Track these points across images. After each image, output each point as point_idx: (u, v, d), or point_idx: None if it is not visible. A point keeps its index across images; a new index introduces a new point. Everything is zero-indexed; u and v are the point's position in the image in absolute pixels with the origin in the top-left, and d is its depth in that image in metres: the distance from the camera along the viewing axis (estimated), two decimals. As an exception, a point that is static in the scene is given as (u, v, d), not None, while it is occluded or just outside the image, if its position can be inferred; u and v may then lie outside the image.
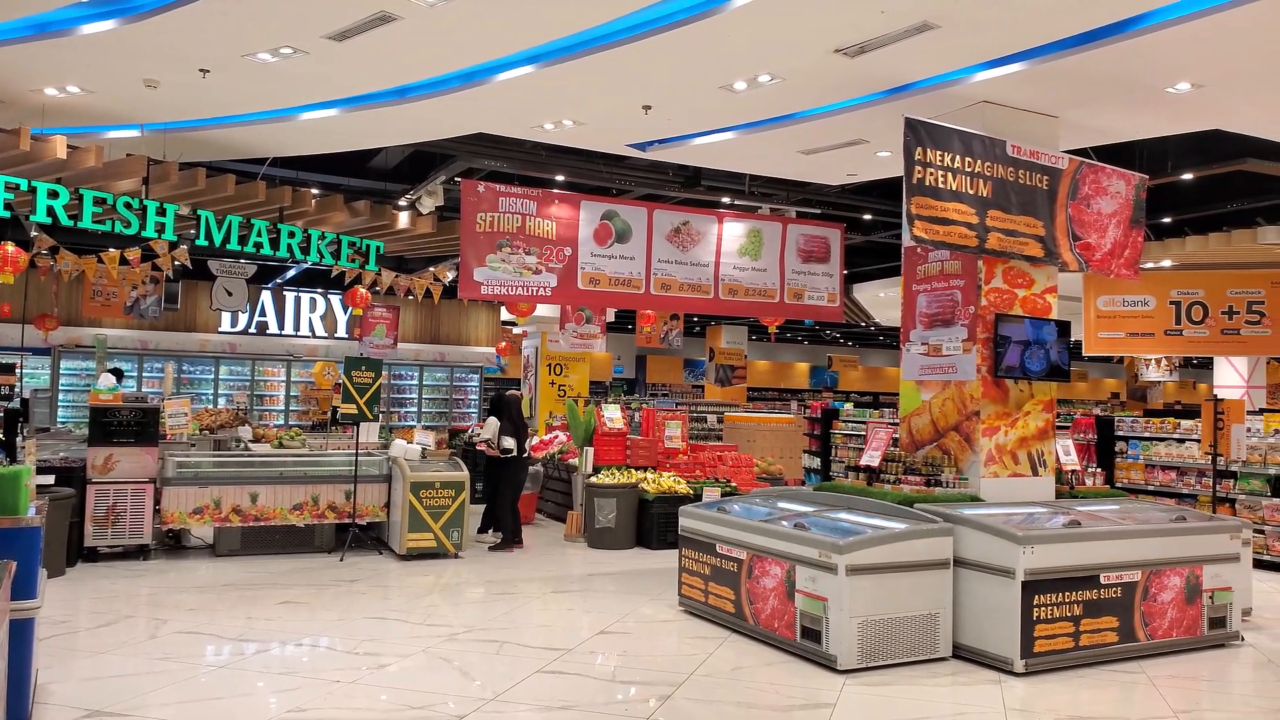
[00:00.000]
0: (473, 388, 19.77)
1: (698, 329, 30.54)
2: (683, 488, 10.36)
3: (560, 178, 10.45)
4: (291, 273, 18.14)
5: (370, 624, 6.74)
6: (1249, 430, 10.49)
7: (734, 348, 28.48)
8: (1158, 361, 24.47)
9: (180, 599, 7.33)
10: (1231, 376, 20.09)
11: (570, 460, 11.73)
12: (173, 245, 9.99)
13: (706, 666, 5.94)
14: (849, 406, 15.94)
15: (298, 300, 18.04)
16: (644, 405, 14.76)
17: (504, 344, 19.75)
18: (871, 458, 7.51)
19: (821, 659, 5.88)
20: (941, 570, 6.13)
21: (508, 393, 10.76)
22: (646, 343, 18.86)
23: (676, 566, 7.53)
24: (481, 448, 10.40)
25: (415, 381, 19.14)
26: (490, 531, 10.34)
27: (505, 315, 18.49)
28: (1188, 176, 10.05)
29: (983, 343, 7.16)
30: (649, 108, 7.75)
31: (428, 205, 11.02)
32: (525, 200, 9.13)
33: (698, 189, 11.12)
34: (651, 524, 10.10)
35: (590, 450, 10.85)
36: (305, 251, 10.62)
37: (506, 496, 10.04)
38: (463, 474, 9.45)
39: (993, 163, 7.01)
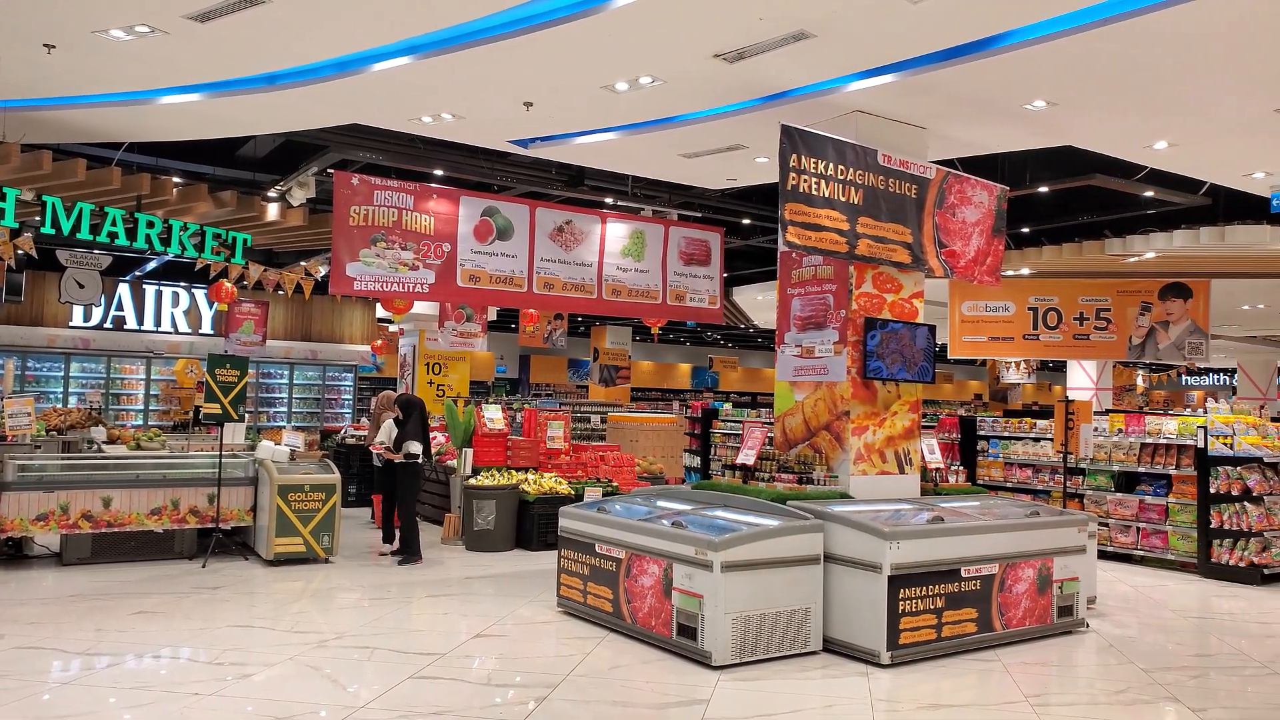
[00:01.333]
0: (347, 387, 19.20)
1: (582, 329, 30.53)
2: (564, 488, 10.31)
3: (439, 172, 10.25)
4: (152, 265, 17.19)
5: (234, 633, 6.43)
6: (1096, 430, 11.18)
7: (618, 348, 28.61)
8: (1017, 364, 25.86)
9: (20, 612, 6.83)
10: (1083, 379, 21.45)
11: (449, 462, 11.52)
12: (14, 232, 9.31)
13: (584, 666, 5.93)
14: (728, 406, 16.20)
15: (159, 294, 17.12)
16: (526, 405, 14.63)
17: (380, 342, 19.25)
18: (747, 456, 7.65)
19: (697, 655, 5.95)
20: (813, 566, 6.29)
21: (410, 395, 10.30)
22: (530, 342, 18.74)
23: (556, 568, 7.48)
24: (378, 450, 9.63)
25: (285, 380, 18.45)
26: (392, 543, 9.61)
27: (381, 313, 18.03)
28: (1044, 189, 10.64)
29: (853, 345, 7.39)
30: (530, 105, 7.68)
31: (299, 197, 10.62)
32: (402, 194, 8.91)
33: (581, 188, 11.10)
34: (532, 525, 10.01)
35: (469, 451, 10.68)
36: (165, 243, 10.08)
37: (409, 506, 9.33)
38: (333, 476, 9.15)
39: (864, 171, 7.24)
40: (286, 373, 18.42)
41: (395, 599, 7.69)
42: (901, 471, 7.67)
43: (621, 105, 7.65)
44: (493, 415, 10.98)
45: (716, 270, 10.92)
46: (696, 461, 15.64)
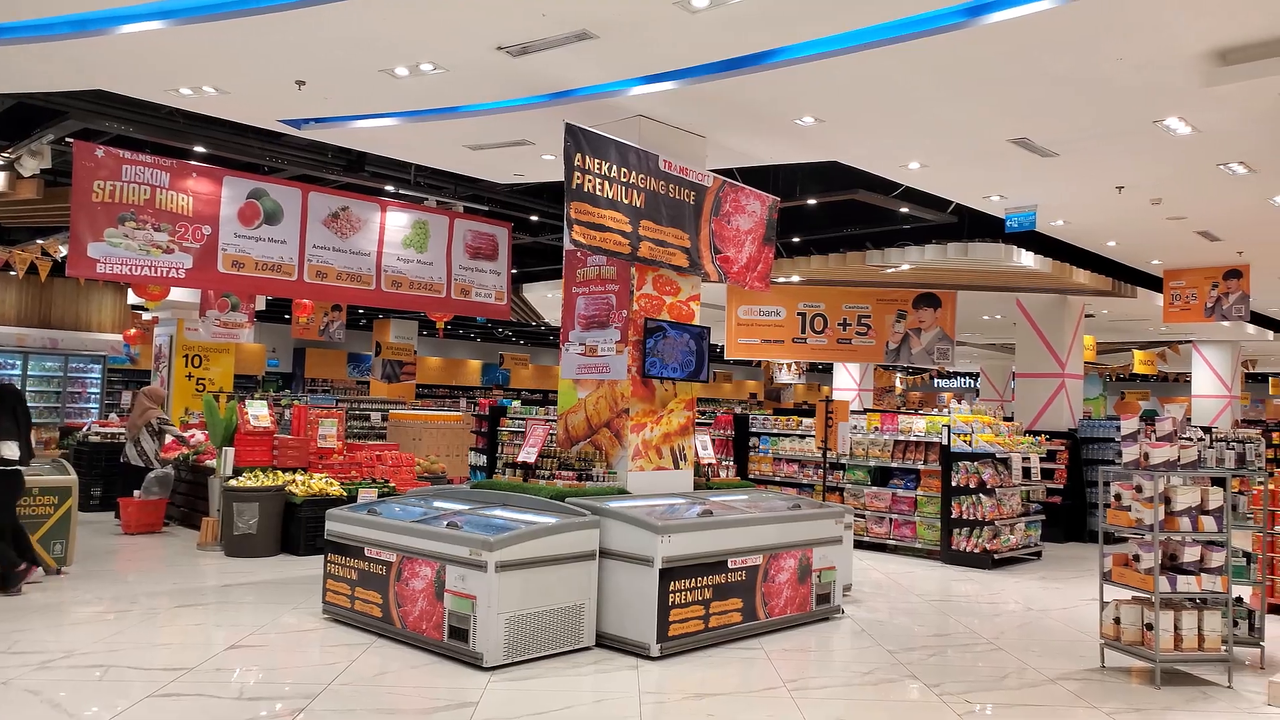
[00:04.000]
0: (94, 380, 17.45)
1: (364, 322, 29.35)
2: (336, 490, 9.85)
3: (201, 149, 9.48)
4: None
5: (-67, 659, 5.66)
6: (855, 428, 12.01)
7: (403, 343, 27.74)
8: (788, 366, 27.38)
9: None
10: (847, 380, 23.01)
11: (207, 462, 10.70)
12: None
13: (349, 674, 5.67)
14: (516, 404, 16.09)
15: None
16: (296, 402, 13.85)
17: (134, 331, 17.62)
18: (528, 454, 7.60)
19: (469, 658, 5.84)
20: (588, 562, 6.34)
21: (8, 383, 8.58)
22: (305, 335, 17.77)
23: (323, 573, 7.12)
24: None
25: (18, 371, 16.51)
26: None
27: (135, 298, 16.48)
28: (812, 202, 11.28)
29: (633, 345, 7.52)
30: (303, 83, 7.25)
31: (30, 167, 9.48)
32: (156, 170, 8.16)
33: (361, 174, 10.62)
34: (300, 529, 9.48)
35: (230, 451, 9.96)
36: None
37: (5, 520, 7.55)
38: (69, 479, 8.26)
39: (646, 175, 7.37)
40: (19, 362, 16.49)
41: (140, 611, 7.04)
42: (677, 467, 7.88)
43: (403, 91, 7.37)
44: (257, 412, 10.31)
45: (504, 265, 10.79)
46: (483, 460, 15.42)
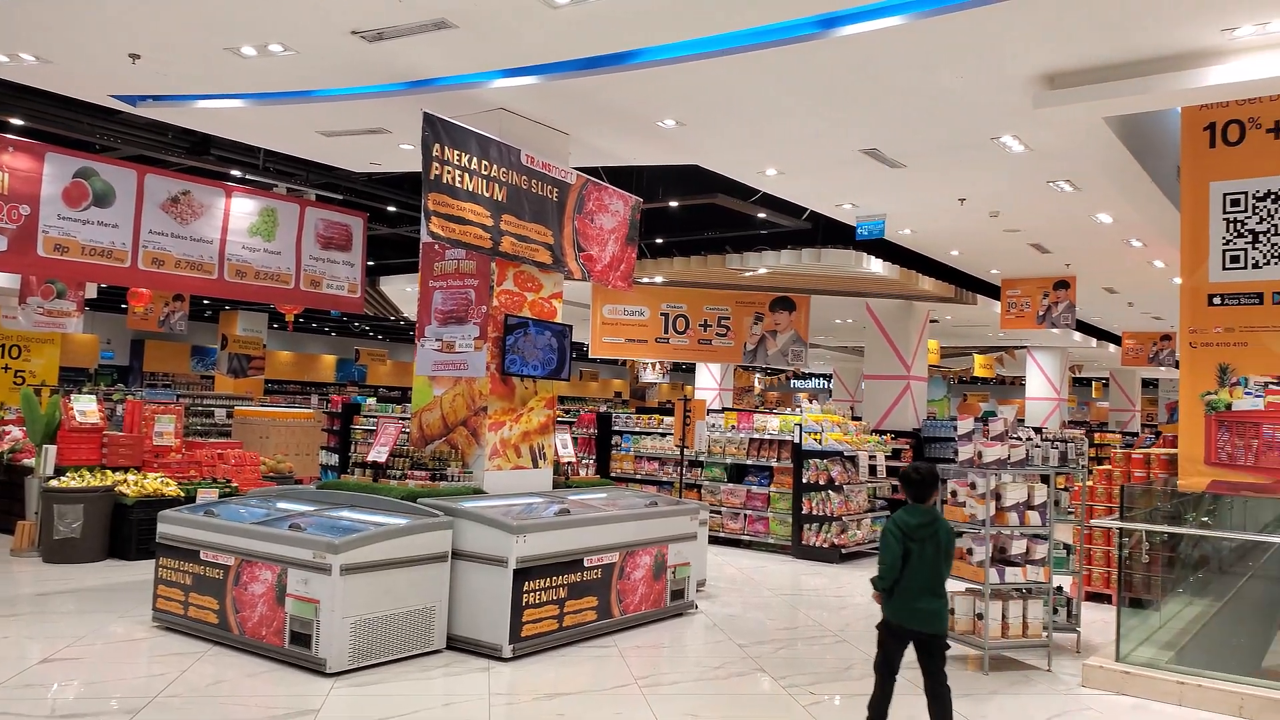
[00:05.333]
0: (-105, 371, 15.87)
1: (209, 313, 27.87)
2: (173, 490, 9.29)
3: (19, 121, 8.74)
4: None
5: None
6: (713, 426, 12.23)
7: (252, 335, 26.47)
8: (653, 365, 27.67)
9: None
10: (709, 380, 23.46)
11: (25, 461, 9.90)
12: None
13: (180, 684, 5.34)
14: (372, 401, 15.62)
15: None
16: (130, 396, 13.00)
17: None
18: (379, 454, 7.37)
19: (312, 664, 5.60)
20: (440, 564, 6.19)
21: None
22: (143, 325, 16.72)
23: (154, 578, 6.69)
24: None
25: None
26: None
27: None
28: (674, 204, 11.44)
29: (493, 341, 7.40)
30: (137, 56, 6.78)
31: None
32: (-35, 142, 7.47)
33: (205, 158, 10.07)
34: (131, 532, 8.89)
35: (51, 449, 9.24)
36: None
37: None
38: None
39: (508, 169, 7.27)
40: None
41: (-61, 625, 6.43)
42: (536, 466, 7.81)
43: (251, 72, 7.01)
44: (84, 407, 9.60)
45: (358, 257, 10.43)
46: (335, 459, 14.87)
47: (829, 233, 12.30)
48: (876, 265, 12.79)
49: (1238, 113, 6.40)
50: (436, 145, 6.66)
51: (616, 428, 13.13)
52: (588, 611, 6.67)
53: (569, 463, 8.48)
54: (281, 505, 6.90)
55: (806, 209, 11.32)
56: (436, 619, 6.15)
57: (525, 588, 6.14)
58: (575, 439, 13.35)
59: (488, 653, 6.13)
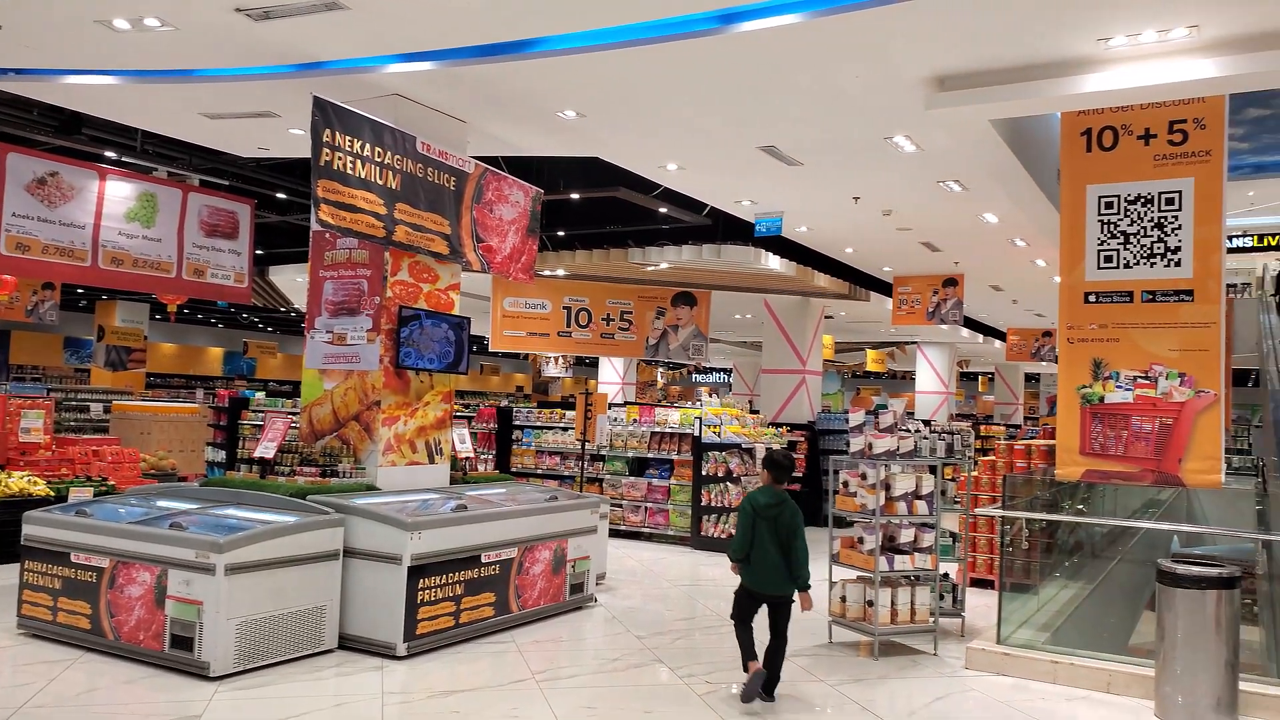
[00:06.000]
0: None
1: (84, 303, 26.40)
2: (41, 489, 8.76)
3: None
4: None
5: None
6: (615, 420, 12.24)
7: (131, 327, 25.22)
8: (554, 359, 27.56)
9: None
10: (612, 374, 23.48)
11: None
12: None
13: (48, 694, 5.04)
14: (260, 396, 15.07)
15: None
16: (-4, 390, 12.21)
17: None
18: (267, 449, 7.11)
19: (194, 668, 5.37)
20: (331, 562, 6.01)
21: None
22: (9, 315, 15.72)
23: (18, 583, 6.30)
24: None
25: None
26: None
27: None
28: (576, 196, 11.38)
29: (387, 334, 7.21)
30: None
31: None
32: None
33: (76, 137, 9.50)
34: (-6, 533, 8.34)
35: (-96, 445, 8.60)
36: None
37: None
38: None
39: (403, 157, 7.09)
40: None
41: None
42: (432, 461, 7.66)
43: (126, 47, 6.63)
44: (-58, 402, 8.96)
45: (245, 245, 10.01)
46: (222, 456, 14.29)
47: (729, 229, 12.44)
48: (774, 262, 13.01)
49: (1112, 119, 6.72)
50: (327, 130, 6.44)
51: (518, 422, 13.01)
52: (485, 608, 6.58)
53: (467, 458, 8.34)
54: (162, 504, 6.59)
55: (707, 205, 11.42)
56: (328, 618, 5.97)
57: (420, 585, 6.02)
58: (475, 434, 13.19)
59: (382, 651, 5.98)
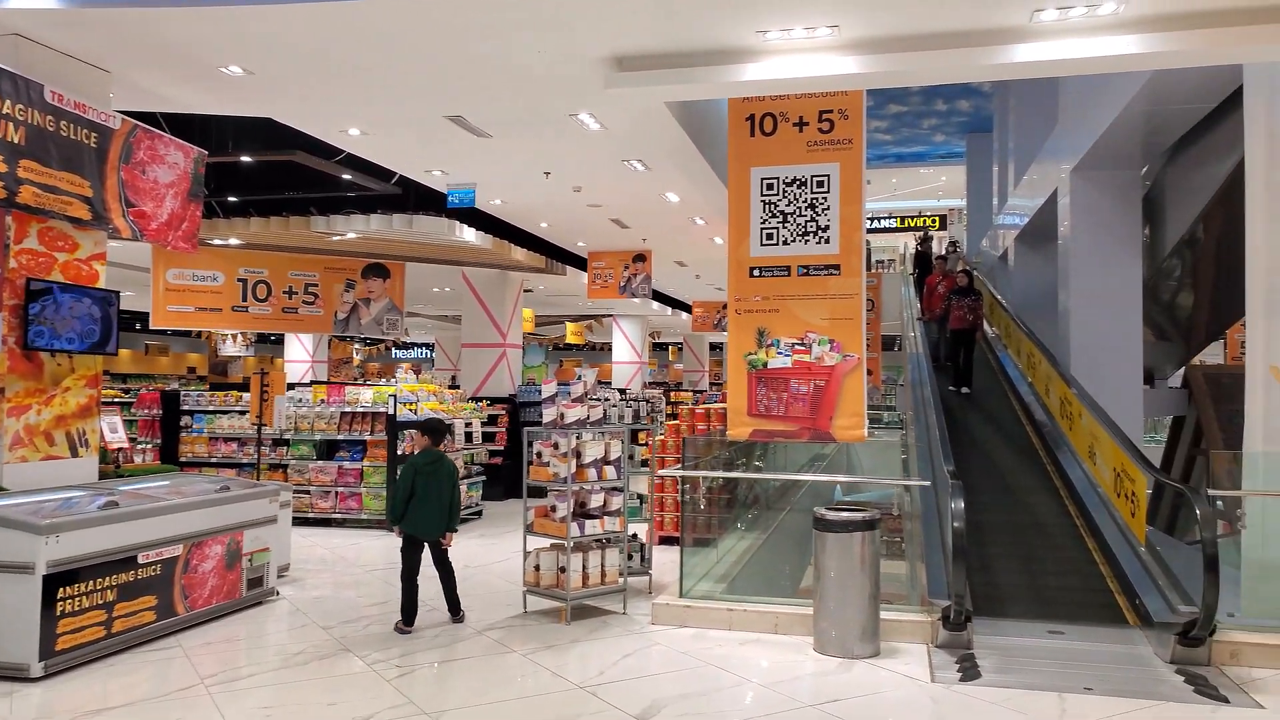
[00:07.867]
0: None
1: None
2: None
3: None
4: None
5: None
6: (299, 401, 11.54)
7: None
8: (234, 337, 25.47)
9: None
10: (300, 352, 22.09)
11: None
12: None
13: None
14: None
15: None
16: None
17: None
18: None
19: None
20: (-59, 579, 5.13)
21: None
22: None
23: None
24: None
25: None
26: None
27: None
28: (248, 159, 10.50)
29: (11, 310, 6.25)
30: None
31: None
32: None
33: None
34: None
35: None
36: None
37: None
38: None
39: (28, 107, 6.14)
40: None
41: None
42: (75, 455, 6.77)
43: None
44: None
45: None
46: None
47: (421, 199, 12.10)
48: (470, 234, 12.85)
49: (772, 107, 7.29)
50: (-79, 69, 5.42)
51: (187, 407, 11.88)
52: (145, 613, 5.94)
53: (120, 449, 7.48)
54: None
55: (396, 173, 11.02)
56: (-62, 645, 5.10)
57: (60, 595, 5.31)
58: (134, 422, 11.88)
59: (11, 674, 5.21)
